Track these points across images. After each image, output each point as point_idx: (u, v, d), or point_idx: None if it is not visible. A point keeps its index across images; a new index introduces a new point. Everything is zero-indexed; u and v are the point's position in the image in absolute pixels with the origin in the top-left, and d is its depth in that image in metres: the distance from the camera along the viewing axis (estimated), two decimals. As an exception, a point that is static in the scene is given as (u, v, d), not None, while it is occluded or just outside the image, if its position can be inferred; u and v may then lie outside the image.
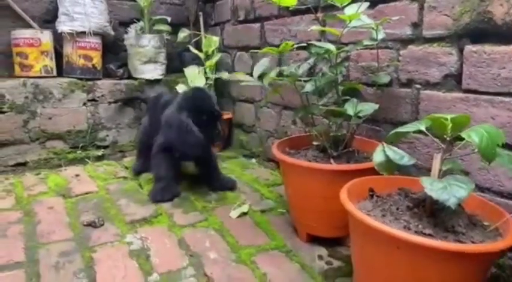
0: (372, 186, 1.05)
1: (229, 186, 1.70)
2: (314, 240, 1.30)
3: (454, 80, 1.13)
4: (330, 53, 1.18)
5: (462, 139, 0.83)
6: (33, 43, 1.89)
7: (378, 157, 0.92)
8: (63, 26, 1.93)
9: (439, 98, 1.17)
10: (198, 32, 2.22)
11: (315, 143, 1.28)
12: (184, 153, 1.54)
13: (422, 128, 0.91)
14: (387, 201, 0.98)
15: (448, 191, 0.81)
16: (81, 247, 1.24)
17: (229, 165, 2.02)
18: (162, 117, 1.58)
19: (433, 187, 0.82)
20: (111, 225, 1.38)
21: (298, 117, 1.31)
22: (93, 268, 1.14)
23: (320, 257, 1.23)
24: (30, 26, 1.99)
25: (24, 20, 2.00)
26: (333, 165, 1.19)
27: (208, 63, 2.08)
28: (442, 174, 0.89)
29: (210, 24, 2.37)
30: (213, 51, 2.11)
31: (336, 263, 1.20)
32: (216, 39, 2.10)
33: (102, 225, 1.38)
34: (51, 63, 1.97)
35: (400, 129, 0.94)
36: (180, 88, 2.05)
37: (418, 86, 1.23)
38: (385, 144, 0.92)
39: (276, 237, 1.34)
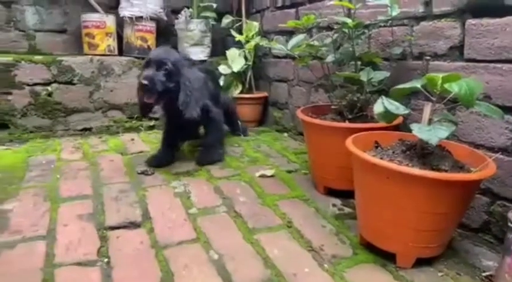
0: (378, 140, 1.24)
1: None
2: (331, 193, 1.49)
3: (458, 51, 1.29)
4: (347, 27, 1.37)
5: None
6: (99, 25, 2.20)
7: (377, 108, 1.10)
8: (125, 11, 2.24)
9: (444, 67, 1.32)
10: (240, 18, 2.45)
11: (333, 107, 1.47)
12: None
13: (418, 85, 1.08)
14: (388, 150, 1.16)
15: (432, 133, 0.98)
16: (136, 187, 1.51)
17: (263, 137, 2.24)
18: None
19: (420, 130, 1.00)
20: (159, 175, 1.65)
21: (319, 83, 1.50)
22: (145, 201, 1.40)
23: (334, 205, 1.43)
24: (97, 11, 2.31)
25: (92, 6, 2.32)
26: (345, 123, 1.38)
27: (247, 46, 2.31)
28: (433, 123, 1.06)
29: (251, 12, 2.60)
30: (252, 36, 2.33)
31: (347, 210, 1.39)
32: (255, 25, 2.33)
33: (153, 174, 1.64)
34: (113, 43, 2.28)
35: (400, 86, 1.12)
36: (222, 69, 2.30)
37: (427, 58, 1.38)
38: (383, 97, 1.10)
39: (297, 189, 1.55)
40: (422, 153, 1.08)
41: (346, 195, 1.45)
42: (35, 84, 2.02)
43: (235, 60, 2.27)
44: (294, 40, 1.54)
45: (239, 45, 2.39)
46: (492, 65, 1.18)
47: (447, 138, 0.99)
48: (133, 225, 1.25)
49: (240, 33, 2.40)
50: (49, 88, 2.05)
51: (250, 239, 1.20)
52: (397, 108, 1.08)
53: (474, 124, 1.24)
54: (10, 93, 1.98)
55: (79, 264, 1.05)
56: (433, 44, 1.37)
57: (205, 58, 2.47)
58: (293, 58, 2.20)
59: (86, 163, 1.74)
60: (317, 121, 1.42)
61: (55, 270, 1.02)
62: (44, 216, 1.28)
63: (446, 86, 0.98)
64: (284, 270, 1.05)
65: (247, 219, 1.31)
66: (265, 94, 2.45)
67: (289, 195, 1.50)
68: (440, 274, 1.05)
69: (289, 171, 1.72)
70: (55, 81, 2.07)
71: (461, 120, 1.27)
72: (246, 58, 2.34)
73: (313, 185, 1.57)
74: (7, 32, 2.22)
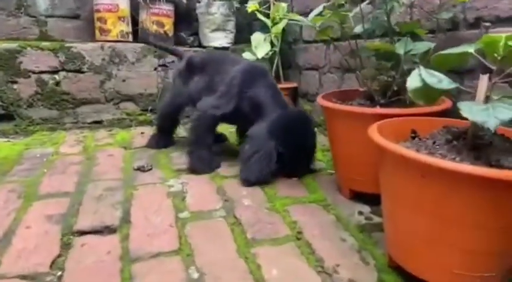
0: (415, 127, 0.94)
1: None
2: (358, 197, 1.20)
3: (529, 11, 0.96)
4: (378, -14, 1.07)
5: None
6: (111, 9, 2.04)
7: (413, 82, 0.79)
8: (139, -8, 2.06)
9: (509, 34, 0.99)
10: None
11: (361, 89, 1.17)
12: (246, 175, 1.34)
13: (471, 50, 0.77)
14: (427, 140, 0.86)
15: (489, 113, 0.67)
16: (126, 185, 1.30)
17: (289, 132, 1.97)
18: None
19: (471, 109, 0.69)
20: (158, 171, 1.43)
21: (344, 58, 1.21)
22: (130, 202, 1.18)
23: (360, 213, 1.13)
24: (110, -6, 2.15)
25: (106, -10, 2.17)
26: (377, 109, 1.08)
27: (274, 29, 2.05)
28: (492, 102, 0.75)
29: (282, -6, 2.34)
30: (280, 18, 2.07)
31: (377, 219, 1.09)
32: (284, 6, 2.05)
33: (150, 170, 1.43)
34: (127, 28, 2.11)
35: (445, 51, 0.82)
36: (246, 55, 2.05)
37: (486, 24, 1.06)
38: (421, 67, 0.80)
39: (317, 192, 1.27)
40: (475, 144, 0.77)
41: (377, 200, 1.14)
42: (42, 72, 1.88)
43: (260, 46, 2.02)
44: (315, 11, 1.26)
45: (266, 30, 2.13)
46: None
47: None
48: (107, 230, 1.03)
49: (268, 17, 2.14)
50: (56, 77, 1.91)
51: (245, 252, 0.94)
52: (439, 81, 0.77)
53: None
54: (15, 82, 1.85)
55: (24, 277, 0.84)
56: (493, 5, 1.04)
57: (228, 45, 2.23)
58: (324, 41, 1.92)
59: (82, 157, 1.56)
60: (340, 107, 1.13)
61: (-9, 284, 0.82)
62: (9, 215, 1.09)
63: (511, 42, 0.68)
64: (280, 298, 0.79)
65: (247, 228, 1.05)
66: (294, 84, 2.18)
67: (305, 199, 1.22)
68: (501, 318, 0.74)
69: (312, 170, 1.44)
70: (63, 69, 1.92)
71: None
72: (272, 44, 2.08)
73: (337, 188, 1.28)
74: (17, 17, 2.11)
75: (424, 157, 0.69)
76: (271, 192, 1.27)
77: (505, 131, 0.84)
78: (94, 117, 2.01)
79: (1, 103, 1.84)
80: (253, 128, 1.38)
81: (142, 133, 1.91)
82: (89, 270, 0.87)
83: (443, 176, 0.67)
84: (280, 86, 2.07)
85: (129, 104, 2.07)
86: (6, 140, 1.77)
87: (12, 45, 1.84)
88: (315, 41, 2.00)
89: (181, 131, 1.96)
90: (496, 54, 0.73)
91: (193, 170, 1.42)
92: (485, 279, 0.74)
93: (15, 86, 1.85)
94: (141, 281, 0.84)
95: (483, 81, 0.75)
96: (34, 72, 1.87)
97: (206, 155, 1.45)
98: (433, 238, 0.74)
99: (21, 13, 2.11)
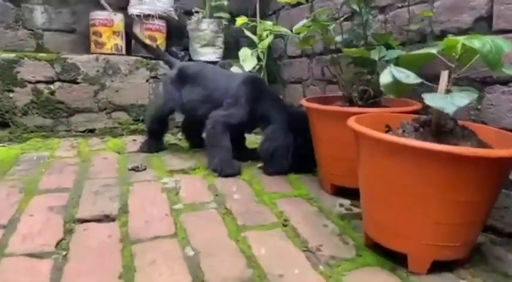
0: (388, 122, 1.05)
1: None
2: (339, 192, 1.30)
3: (485, 22, 1.10)
4: (354, 2, 1.21)
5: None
6: (106, 23, 2.14)
7: (385, 78, 0.91)
8: (134, 9, 2.17)
9: (469, 43, 1.13)
10: (254, 18, 2.34)
11: (341, 92, 1.29)
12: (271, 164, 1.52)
13: (434, 51, 0.90)
14: (397, 129, 0.97)
15: (448, 100, 0.79)
16: (122, 182, 1.37)
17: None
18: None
19: (433, 98, 0.81)
20: (152, 171, 1.51)
21: (325, 65, 1.33)
22: (127, 195, 1.26)
23: (341, 205, 1.23)
24: (105, 9, 2.26)
25: (102, 6, 2.27)
26: (356, 108, 1.20)
27: (260, 45, 2.18)
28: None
29: (268, 14, 2.49)
30: (266, 35, 2.20)
31: (356, 210, 1.19)
32: (269, 24, 2.20)
33: (144, 170, 1.51)
34: (121, 42, 2.21)
35: (411, 52, 0.95)
36: (234, 69, 2.17)
37: (451, 35, 1.20)
38: (392, 66, 0.92)
39: (301, 188, 1.37)
40: (438, 131, 0.88)
41: (357, 195, 1.24)
42: (38, 82, 1.96)
43: (247, 60, 2.14)
44: (301, 22, 1.39)
45: (253, 46, 2.27)
46: (526, 32, 0.99)
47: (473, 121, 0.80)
48: (107, 218, 1.11)
49: (255, 34, 2.28)
50: (52, 86, 1.98)
51: (236, 236, 1.02)
52: (407, 76, 0.89)
53: (506, 106, 1.04)
54: (12, 91, 1.92)
55: (31, 255, 0.91)
56: (455, 19, 1.18)
57: (217, 59, 2.36)
58: (307, 56, 2.06)
59: (78, 160, 1.63)
60: (324, 107, 1.25)
61: (0, 260, 0.88)
62: (12, 206, 1.15)
63: (466, 42, 0.80)
64: (269, 270, 0.87)
65: (237, 216, 1.14)
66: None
67: (290, 193, 1.32)
68: (463, 282, 0.84)
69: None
70: (58, 80, 1.99)
71: (491, 103, 1.07)
72: (258, 58, 2.21)
73: (320, 186, 1.38)
74: (15, 30, 2.19)
75: (391, 137, 0.81)
76: (259, 188, 1.36)
77: (464, 123, 0.96)
78: (87, 126, 2.08)
79: (-3, 111, 1.91)
80: (270, 128, 1.54)
81: (134, 140, 1.99)
82: (92, 249, 0.94)
83: (407, 152, 0.78)
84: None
85: (122, 114, 2.15)
86: (1, 145, 1.83)
87: (10, 55, 1.92)
88: (299, 56, 2.13)
89: (171, 139, 2.06)
90: (454, 54, 0.86)
91: (216, 171, 1.49)
92: (450, 248, 0.84)
93: (11, 95, 1.92)
94: (142, 258, 0.91)
95: (444, 76, 0.87)
96: (30, 82, 1.95)
97: (227, 157, 1.52)
98: (404, 213, 0.84)
99: (19, 26, 2.20)
